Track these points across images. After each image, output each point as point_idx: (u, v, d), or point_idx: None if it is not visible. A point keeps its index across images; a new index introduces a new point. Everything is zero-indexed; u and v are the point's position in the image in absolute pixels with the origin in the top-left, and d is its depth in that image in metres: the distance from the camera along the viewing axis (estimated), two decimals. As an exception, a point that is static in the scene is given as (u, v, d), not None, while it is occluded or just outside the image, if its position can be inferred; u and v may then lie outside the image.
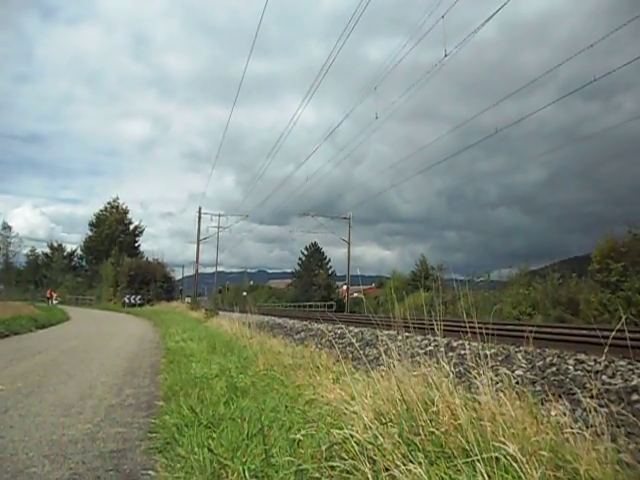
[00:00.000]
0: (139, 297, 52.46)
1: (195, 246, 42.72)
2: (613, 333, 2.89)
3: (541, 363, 6.17)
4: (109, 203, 71.66)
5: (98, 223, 70.19)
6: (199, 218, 42.60)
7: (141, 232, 73.41)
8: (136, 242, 72.08)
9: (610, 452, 2.14)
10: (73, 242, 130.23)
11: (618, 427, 3.19)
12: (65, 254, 73.62)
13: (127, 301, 51.41)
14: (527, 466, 1.94)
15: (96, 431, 4.22)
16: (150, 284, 55.56)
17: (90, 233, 70.86)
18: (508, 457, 2.01)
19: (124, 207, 72.03)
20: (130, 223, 71.99)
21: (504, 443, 2.07)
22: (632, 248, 20.89)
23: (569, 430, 2.28)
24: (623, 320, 2.79)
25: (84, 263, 73.69)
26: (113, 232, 68.42)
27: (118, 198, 72.18)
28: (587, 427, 2.29)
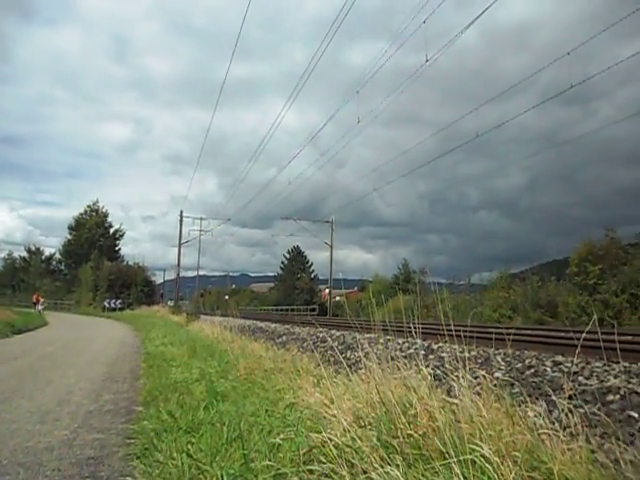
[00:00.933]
0: (119, 301, 51.89)
1: (176, 250, 42.33)
2: (583, 334, 2.94)
3: (520, 365, 6.24)
4: (89, 206, 70.63)
5: (77, 226, 69.08)
6: (181, 221, 42.26)
7: (121, 236, 72.59)
8: (116, 246, 71.20)
9: (584, 452, 2.17)
10: (51, 246, 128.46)
11: (593, 427, 3.25)
12: (43, 258, 72.36)
13: (107, 305, 50.80)
14: (502, 467, 1.96)
15: (73, 438, 4.15)
16: (131, 288, 54.94)
17: (69, 237, 69.73)
18: (482, 459, 2.03)
19: (104, 210, 71.10)
20: (110, 226, 71.10)
21: (480, 445, 2.09)
22: (609, 251, 21.27)
23: (545, 431, 2.31)
24: (594, 320, 2.83)
25: (63, 267, 72.51)
26: (93, 236, 67.40)
27: (98, 201, 71.13)
28: (563, 428, 2.33)
